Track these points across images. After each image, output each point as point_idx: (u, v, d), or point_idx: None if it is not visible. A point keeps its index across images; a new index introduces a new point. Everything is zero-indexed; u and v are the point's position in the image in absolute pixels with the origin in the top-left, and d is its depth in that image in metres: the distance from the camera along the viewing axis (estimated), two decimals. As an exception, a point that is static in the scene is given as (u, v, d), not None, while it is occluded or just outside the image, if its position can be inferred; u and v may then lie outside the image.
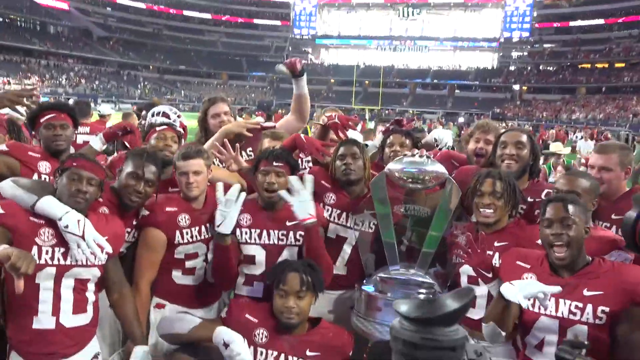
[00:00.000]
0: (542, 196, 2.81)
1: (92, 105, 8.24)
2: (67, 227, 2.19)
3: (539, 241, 2.39)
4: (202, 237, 2.83)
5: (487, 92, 73.23)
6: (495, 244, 2.55)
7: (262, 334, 2.42)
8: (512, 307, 2.16)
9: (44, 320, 2.23)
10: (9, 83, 48.99)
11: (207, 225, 2.84)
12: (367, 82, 75.91)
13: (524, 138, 2.89)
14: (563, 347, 1.10)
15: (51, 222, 2.23)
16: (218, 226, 2.58)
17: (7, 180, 2.40)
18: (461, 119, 33.00)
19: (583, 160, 10.21)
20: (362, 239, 3.01)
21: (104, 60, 70.58)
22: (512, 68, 77.49)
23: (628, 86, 60.64)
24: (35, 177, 2.82)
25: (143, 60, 75.55)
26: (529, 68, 75.68)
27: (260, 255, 2.76)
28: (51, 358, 2.26)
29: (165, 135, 3.17)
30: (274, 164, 2.73)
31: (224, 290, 2.89)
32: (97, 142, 3.19)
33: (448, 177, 2.79)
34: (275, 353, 2.40)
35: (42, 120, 2.94)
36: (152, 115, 3.55)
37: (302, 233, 2.75)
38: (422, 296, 2.67)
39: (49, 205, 2.23)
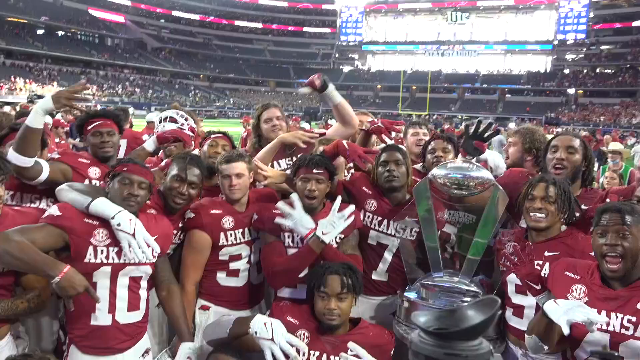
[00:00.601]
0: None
1: (131, 111, 8.62)
2: (119, 225, 2.30)
3: (593, 253, 2.30)
4: (246, 239, 2.90)
5: (539, 96, 70.82)
6: (546, 253, 2.46)
7: (304, 334, 2.43)
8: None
9: (100, 318, 2.35)
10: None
11: (250, 227, 2.90)
12: (414, 87, 75.10)
13: (577, 143, 2.78)
14: (592, 358, 0.99)
15: (105, 223, 2.34)
16: (324, 233, 2.60)
17: (63, 185, 2.53)
18: (512, 124, 32.03)
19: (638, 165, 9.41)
20: (404, 245, 2.97)
21: (157, 70, 73.27)
22: (566, 71, 74.63)
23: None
24: (87, 182, 2.94)
25: (194, 69, 77.88)
26: (585, 71, 72.65)
27: None
28: (107, 352, 2.37)
29: (217, 142, 3.29)
30: (314, 171, 2.75)
31: (276, 288, 2.89)
32: (150, 144, 3.33)
33: (495, 183, 2.72)
34: (317, 353, 2.41)
35: (89, 127, 3.06)
36: (160, 122, 3.63)
37: (342, 236, 2.76)
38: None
39: (102, 205, 2.34)
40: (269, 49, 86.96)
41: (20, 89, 46.16)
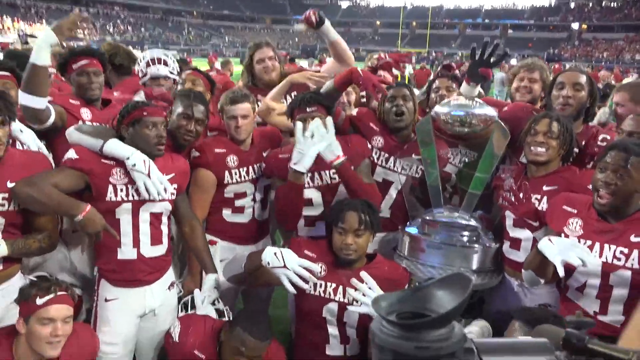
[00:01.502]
0: (598, 142, 2.72)
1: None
2: (134, 165, 2.35)
3: (590, 187, 2.35)
4: (250, 177, 2.94)
5: (543, 31, 69.14)
6: (544, 187, 2.50)
7: (321, 267, 2.50)
8: None
9: (126, 252, 2.44)
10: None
11: (255, 165, 2.94)
12: (414, 23, 73.07)
13: (583, 79, 2.73)
14: (570, 331, 0.89)
15: (121, 163, 2.39)
16: (295, 164, 2.61)
17: (71, 127, 2.53)
18: (514, 61, 31.40)
19: None
20: (407, 182, 3.02)
21: (149, 7, 70.87)
22: (571, 5, 72.40)
23: (701, 22, 55.73)
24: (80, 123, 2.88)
25: (187, 6, 75.37)
26: (591, 5, 70.47)
27: (316, 197, 2.84)
28: (134, 284, 2.49)
29: (193, 80, 3.30)
30: (308, 110, 2.75)
31: (288, 230, 2.95)
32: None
33: (497, 119, 2.73)
34: (334, 285, 2.49)
35: (74, 66, 2.91)
36: (148, 65, 3.55)
37: (353, 168, 2.77)
38: (465, 239, 2.70)
39: (116, 147, 2.37)
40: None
41: (9, 28, 44.85)
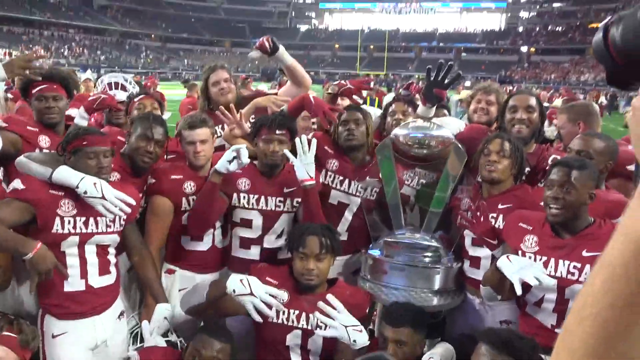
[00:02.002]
0: (549, 162, 2.82)
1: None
2: (85, 192, 2.28)
3: (542, 203, 2.44)
4: None
5: (494, 54, 72.05)
6: (499, 206, 2.57)
7: (285, 294, 2.47)
8: None
9: (74, 283, 2.36)
10: (11, 55, 48.69)
11: None
12: (372, 46, 74.78)
13: (534, 101, 2.84)
14: None
15: (70, 194, 2.31)
16: (229, 161, 2.61)
17: (20, 156, 2.44)
18: (468, 83, 32.57)
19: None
20: (367, 205, 3.05)
21: (105, 30, 69.84)
22: (520, 29, 75.92)
23: None
24: (37, 151, 2.80)
25: (144, 28, 74.69)
26: (537, 29, 74.11)
27: (257, 220, 2.83)
28: (83, 316, 2.40)
29: (145, 104, 3.24)
30: (277, 132, 2.75)
31: (197, 234, 2.87)
32: (80, 119, 3.19)
33: (454, 141, 2.80)
34: (297, 311, 2.47)
35: (33, 91, 2.84)
36: (105, 90, 3.54)
37: (299, 200, 2.81)
38: (427, 260, 2.73)
39: (65, 174, 2.30)
40: (224, 7, 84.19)
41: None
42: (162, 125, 2.79)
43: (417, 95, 3.92)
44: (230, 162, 2.61)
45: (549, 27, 73.27)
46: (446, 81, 2.96)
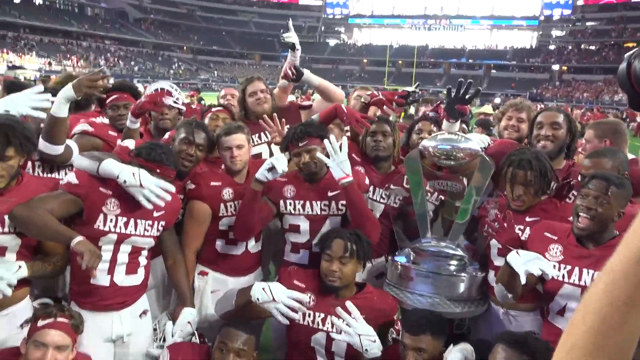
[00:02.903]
0: (579, 178, 2.86)
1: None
2: (125, 182, 2.39)
3: (570, 218, 2.48)
4: None
5: (524, 72, 71.21)
6: (527, 219, 2.63)
7: (310, 298, 2.57)
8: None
9: (100, 278, 2.45)
10: (50, 64, 50.48)
11: None
12: (400, 62, 74.85)
13: (561, 118, 2.90)
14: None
15: (118, 194, 2.45)
16: (268, 170, 2.69)
17: (76, 153, 2.64)
18: (497, 100, 32.34)
19: None
20: (388, 212, 3.13)
21: (139, 42, 71.81)
22: (551, 47, 74.94)
23: (675, 66, 57.87)
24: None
25: (177, 41, 76.50)
26: (570, 47, 73.00)
27: (304, 225, 2.92)
28: (104, 309, 2.53)
29: (218, 116, 3.43)
30: (300, 144, 2.84)
31: (242, 240, 2.97)
32: (131, 123, 3.32)
33: (481, 154, 2.87)
34: (322, 315, 2.56)
35: (107, 101, 3.21)
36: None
37: (344, 202, 2.88)
38: (452, 268, 2.79)
39: (109, 166, 2.43)
40: (254, 20, 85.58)
41: (-2, 59, 45.05)
42: (204, 131, 2.93)
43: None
44: (268, 171, 2.71)
45: (582, 46, 72.12)
46: (467, 97, 3.05)
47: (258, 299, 2.40)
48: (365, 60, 78.67)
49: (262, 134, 3.61)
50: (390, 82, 64.42)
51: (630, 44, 65.21)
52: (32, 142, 2.37)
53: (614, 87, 58.64)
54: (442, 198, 3.13)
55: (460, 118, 3.09)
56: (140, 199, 2.40)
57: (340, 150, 2.74)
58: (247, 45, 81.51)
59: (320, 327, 2.56)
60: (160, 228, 2.62)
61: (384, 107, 3.29)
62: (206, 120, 3.38)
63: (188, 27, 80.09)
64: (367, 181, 3.03)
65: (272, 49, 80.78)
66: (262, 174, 2.72)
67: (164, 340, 2.60)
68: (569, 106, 31.12)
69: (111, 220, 2.46)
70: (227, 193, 2.95)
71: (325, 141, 2.75)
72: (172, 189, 2.49)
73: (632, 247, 0.68)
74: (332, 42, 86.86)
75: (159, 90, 3.52)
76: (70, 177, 2.46)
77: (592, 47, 71.62)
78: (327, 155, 2.76)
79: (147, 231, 2.57)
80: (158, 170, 2.48)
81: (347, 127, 3.49)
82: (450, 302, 2.72)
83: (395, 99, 3.26)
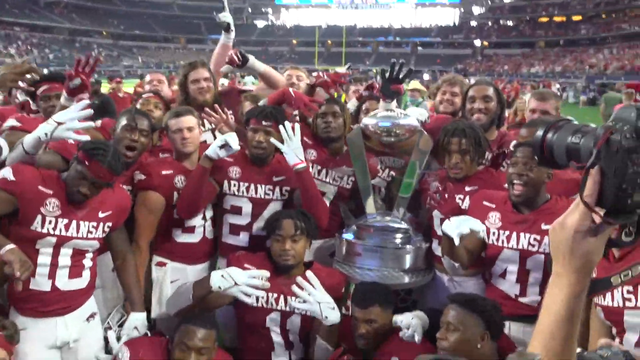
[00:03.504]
0: (511, 147, 3.01)
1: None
2: (220, 288, 2.38)
3: (506, 185, 2.63)
4: None
5: (449, 48, 73.59)
6: (466, 188, 2.76)
7: (262, 279, 2.57)
8: (465, 243, 2.37)
9: (40, 282, 2.32)
10: (-47, 54, 46.31)
11: None
12: (329, 42, 74.98)
13: (491, 91, 3.05)
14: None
15: (58, 193, 2.31)
16: (220, 147, 2.67)
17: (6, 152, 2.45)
18: (426, 76, 33.35)
19: None
20: (341, 193, 3.18)
21: (54, 27, 67.19)
22: (472, 24, 77.83)
23: (585, 39, 62.00)
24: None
25: (95, 26, 72.27)
26: (490, 24, 76.14)
27: (247, 207, 2.91)
28: (46, 315, 2.37)
29: (149, 101, 3.31)
30: (263, 122, 2.84)
31: (186, 218, 2.90)
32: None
33: (420, 128, 2.96)
34: (275, 294, 2.60)
35: (38, 92, 2.96)
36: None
37: (288, 189, 2.92)
38: (398, 241, 2.89)
39: (29, 137, 2.30)
40: (178, 2, 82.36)
41: None
42: (146, 118, 2.82)
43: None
44: (220, 147, 2.67)
45: (500, 22, 75.42)
46: (401, 76, 3.12)
47: (220, 287, 2.38)
48: (294, 42, 78.15)
49: (205, 120, 3.53)
50: (320, 62, 64.53)
51: (544, 19, 69.11)
52: None
53: (530, 60, 62.05)
54: (393, 174, 3.20)
55: (396, 97, 3.16)
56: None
57: (294, 136, 2.76)
58: (172, 28, 78.44)
59: (275, 307, 2.61)
60: (107, 229, 2.49)
61: (329, 89, 3.30)
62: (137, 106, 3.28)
63: (106, 10, 75.77)
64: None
65: (198, 31, 78.34)
66: (213, 150, 2.68)
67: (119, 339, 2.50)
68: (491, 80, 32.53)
69: (50, 222, 2.30)
70: (180, 181, 2.87)
71: (280, 127, 2.75)
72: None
73: (554, 310, 0.94)
74: (260, 23, 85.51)
75: None
76: (5, 172, 2.28)
77: (510, 23, 75.08)
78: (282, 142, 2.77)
79: (91, 233, 2.42)
80: (89, 167, 2.28)
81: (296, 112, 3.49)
82: (398, 273, 2.81)
83: (339, 80, 3.28)
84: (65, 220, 2.33)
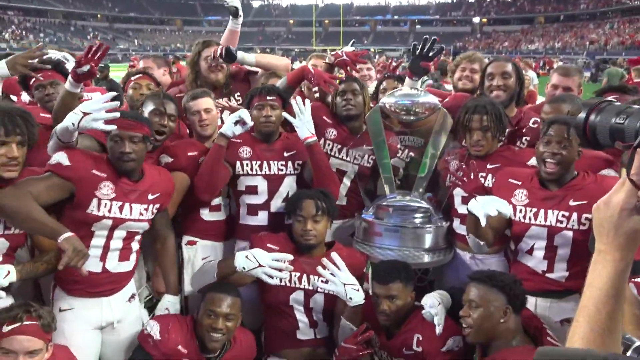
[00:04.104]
0: (530, 124, 2.99)
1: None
2: (244, 268, 2.42)
3: (529, 162, 2.62)
4: None
5: (447, 26, 72.91)
6: (488, 166, 2.74)
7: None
8: (490, 221, 2.33)
9: (92, 265, 2.31)
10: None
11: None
12: (326, 21, 74.28)
13: (509, 67, 3.01)
14: None
15: (112, 177, 2.32)
16: (234, 123, 2.67)
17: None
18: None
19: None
20: (362, 172, 3.16)
21: (47, 11, 66.32)
22: (471, 0, 76.95)
23: (584, 14, 61.37)
24: None
25: (90, 9, 71.36)
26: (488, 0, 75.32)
27: (262, 185, 2.92)
28: (93, 296, 2.41)
29: (141, 84, 3.25)
30: (268, 97, 2.85)
31: (205, 199, 2.90)
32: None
33: (440, 106, 2.93)
34: (298, 274, 2.62)
35: (31, 82, 2.92)
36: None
37: (300, 162, 2.95)
38: (418, 220, 2.88)
39: (60, 126, 2.29)
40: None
41: None
42: (173, 102, 2.83)
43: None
44: (235, 124, 2.68)
45: (499, -3, 74.61)
46: (431, 54, 3.06)
47: (244, 268, 2.42)
48: (291, 21, 77.41)
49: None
50: (318, 42, 63.95)
51: (543, -6, 68.24)
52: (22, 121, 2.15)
53: (530, 36, 61.50)
54: (412, 155, 3.19)
55: (424, 74, 3.11)
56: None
57: (305, 109, 2.79)
58: (167, 10, 77.53)
59: (298, 285, 2.63)
60: (155, 211, 2.51)
61: (348, 68, 3.24)
62: (130, 92, 3.25)
63: (100, -7, 74.86)
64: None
65: (194, 13, 77.51)
66: (229, 128, 2.70)
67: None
68: (489, 57, 32.30)
69: (105, 204, 2.32)
70: None
71: (292, 101, 2.77)
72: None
73: (598, 286, 0.95)
74: (255, 3, 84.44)
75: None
76: (60, 158, 2.26)
77: (509, -2, 74.26)
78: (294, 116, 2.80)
79: (142, 215, 2.45)
80: (120, 126, 2.29)
81: (315, 88, 3.45)
82: (419, 252, 2.82)
83: (358, 60, 3.23)
84: (119, 203, 2.35)
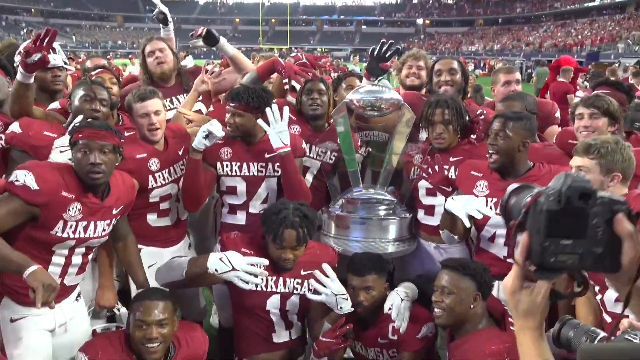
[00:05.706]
0: (479, 117, 3.16)
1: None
2: (217, 271, 2.37)
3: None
4: (173, 178, 2.88)
5: (392, 26, 74.50)
6: (451, 159, 2.89)
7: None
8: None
9: None
10: None
11: (175, 165, 2.89)
12: (273, 20, 74.08)
13: (456, 64, 3.24)
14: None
15: (81, 197, 2.23)
16: (204, 137, 2.63)
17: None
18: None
19: None
20: (324, 168, 3.23)
21: (-25, 4, 62.51)
22: (414, 1, 78.93)
23: (521, 17, 64.44)
24: None
25: (22, 3, 67.71)
26: (430, 1, 77.51)
27: (241, 186, 2.90)
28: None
29: (103, 77, 3.11)
30: (231, 104, 2.81)
31: (192, 211, 2.96)
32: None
33: (403, 102, 3.05)
34: (274, 277, 2.60)
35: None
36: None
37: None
38: (383, 212, 2.98)
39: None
40: (112, -22, 78.45)
41: None
42: (103, 87, 2.75)
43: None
44: (205, 138, 2.64)
45: (441, 0, 76.96)
46: (388, 55, 3.21)
47: (217, 270, 2.37)
48: (237, 20, 76.58)
49: (173, 98, 3.46)
50: (265, 41, 63.70)
51: (482, -2, 71.01)
52: None
53: (470, 38, 63.85)
54: (369, 150, 3.29)
55: (381, 74, 3.24)
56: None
57: (282, 119, 2.74)
58: (107, 5, 74.76)
59: (274, 289, 2.61)
60: (115, 222, 2.46)
61: (307, 72, 3.27)
62: None
63: (34, -14, 71.17)
64: (303, 145, 3.03)
65: (136, 9, 75.08)
66: (199, 142, 2.65)
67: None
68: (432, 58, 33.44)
69: (71, 226, 2.22)
70: (154, 163, 2.79)
71: (267, 109, 2.72)
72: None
73: (527, 352, 1.01)
74: (201, 0, 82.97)
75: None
76: (26, 179, 2.12)
77: (450, 1, 76.76)
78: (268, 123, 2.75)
79: (105, 230, 2.38)
80: (84, 136, 2.21)
81: (285, 80, 3.49)
82: (384, 243, 2.91)
83: (316, 64, 3.29)
84: (85, 222, 2.27)
